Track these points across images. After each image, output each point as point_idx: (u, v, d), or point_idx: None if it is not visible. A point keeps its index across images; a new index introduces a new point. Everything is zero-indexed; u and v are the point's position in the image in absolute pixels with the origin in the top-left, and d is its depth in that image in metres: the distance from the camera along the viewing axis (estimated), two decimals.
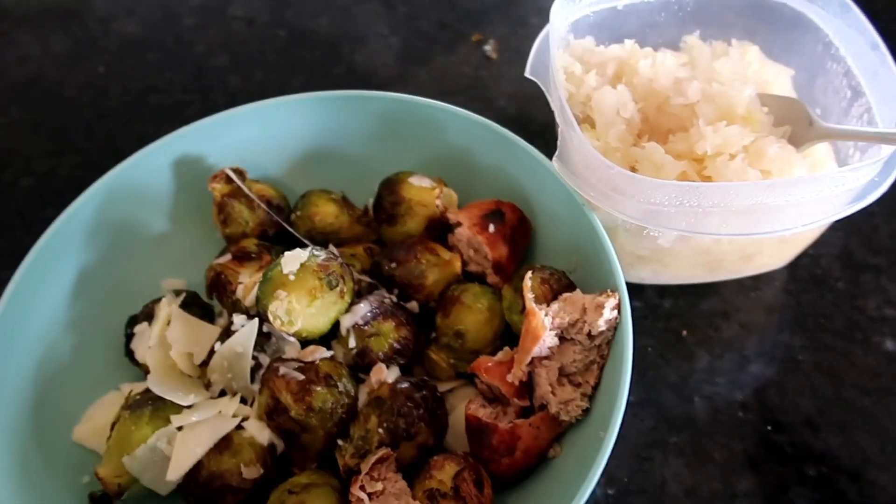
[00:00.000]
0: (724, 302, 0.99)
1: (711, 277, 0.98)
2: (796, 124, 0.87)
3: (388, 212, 0.92)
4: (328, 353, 0.81)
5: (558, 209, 0.87)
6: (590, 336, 0.77)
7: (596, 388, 0.78)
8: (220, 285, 0.87)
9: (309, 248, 0.80)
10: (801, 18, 0.93)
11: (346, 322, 0.81)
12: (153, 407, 0.78)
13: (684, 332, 0.97)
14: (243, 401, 0.81)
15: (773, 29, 0.96)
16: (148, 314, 0.88)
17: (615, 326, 0.77)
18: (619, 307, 0.76)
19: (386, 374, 0.80)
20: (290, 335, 0.79)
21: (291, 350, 0.81)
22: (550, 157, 0.83)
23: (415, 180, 0.92)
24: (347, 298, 0.81)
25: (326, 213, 0.94)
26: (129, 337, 0.88)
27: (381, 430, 0.76)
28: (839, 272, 1.00)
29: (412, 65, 1.29)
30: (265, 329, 0.81)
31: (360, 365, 0.81)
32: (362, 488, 0.73)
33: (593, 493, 0.69)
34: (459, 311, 0.85)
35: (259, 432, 0.78)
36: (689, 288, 1.00)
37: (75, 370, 0.87)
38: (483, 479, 0.75)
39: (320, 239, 0.94)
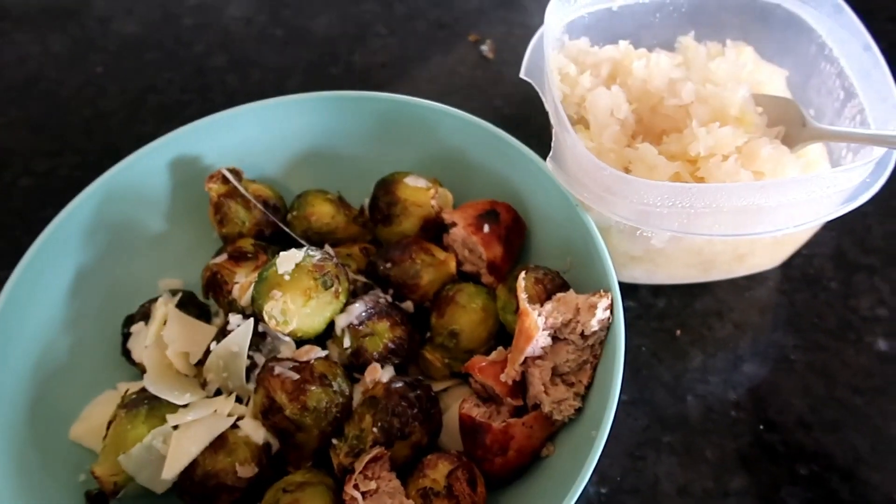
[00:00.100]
0: (718, 301, 0.99)
1: (705, 277, 0.98)
2: (790, 125, 0.87)
3: (384, 212, 0.93)
4: (323, 353, 0.81)
5: (552, 210, 0.87)
6: (583, 336, 0.77)
7: (589, 387, 0.78)
8: (216, 285, 0.88)
9: (304, 249, 0.81)
10: (795, 19, 0.94)
11: (341, 322, 0.82)
12: (149, 406, 0.79)
13: (678, 332, 0.97)
14: (239, 400, 0.81)
15: (767, 30, 0.97)
16: (144, 314, 0.89)
17: (608, 326, 0.77)
18: (611, 307, 0.77)
19: (380, 374, 0.81)
20: (285, 335, 0.80)
21: (287, 350, 0.81)
22: (546, 158, 0.84)
23: (410, 180, 0.93)
24: (342, 298, 0.81)
25: (322, 213, 0.94)
26: (126, 336, 0.88)
27: (375, 430, 0.76)
28: (832, 272, 1.01)
29: (409, 65, 1.29)
30: (261, 329, 0.82)
31: (354, 364, 0.82)
32: (356, 487, 0.73)
33: (586, 491, 0.69)
34: (454, 311, 0.85)
35: (254, 431, 0.78)
36: (682, 287, 1.00)
37: (72, 369, 0.88)
38: (476, 478, 0.76)
39: (316, 239, 0.94)
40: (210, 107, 1.23)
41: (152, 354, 0.84)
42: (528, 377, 0.79)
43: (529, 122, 1.14)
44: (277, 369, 0.77)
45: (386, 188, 0.93)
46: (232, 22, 1.37)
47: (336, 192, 0.98)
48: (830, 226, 0.90)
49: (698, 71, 0.93)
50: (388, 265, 0.87)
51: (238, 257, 0.89)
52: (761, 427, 0.90)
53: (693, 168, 0.84)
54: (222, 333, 0.82)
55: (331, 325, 0.82)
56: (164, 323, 0.86)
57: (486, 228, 0.88)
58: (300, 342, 0.82)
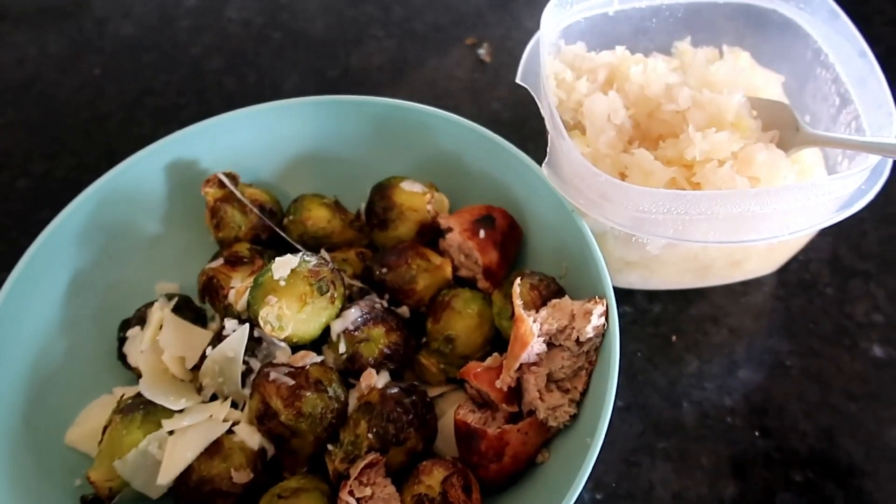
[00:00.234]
0: (714, 307, 1.00)
1: (700, 283, 0.98)
2: (783, 128, 0.87)
3: (380, 216, 0.93)
4: (318, 359, 0.81)
5: (548, 215, 0.87)
6: (578, 342, 0.77)
7: (584, 394, 0.78)
8: (212, 289, 0.88)
9: (300, 254, 0.81)
10: (791, 24, 0.94)
11: (337, 327, 0.82)
12: (145, 411, 0.79)
13: (674, 337, 0.97)
14: (234, 405, 0.82)
15: (763, 35, 0.97)
16: (140, 318, 0.89)
17: (603, 333, 0.77)
18: (606, 314, 0.77)
19: (376, 380, 0.81)
20: (280, 340, 0.80)
21: (282, 355, 0.81)
22: (542, 162, 0.84)
23: (406, 185, 0.93)
24: (338, 304, 0.81)
25: (319, 217, 0.94)
26: (122, 341, 0.88)
27: (370, 436, 0.76)
28: (828, 278, 1.01)
29: (407, 68, 1.29)
30: (256, 334, 0.81)
31: (350, 370, 0.82)
32: (351, 493, 0.73)
33: (581, 498, 0.69)
34: (450, 317, 0.85)
35: (249, 437, 0.78)
36: (678, 293, 1.00)
37: (68, 373, 0.88)
38: (471, 484, 0.76)
39: (312, 243, 0.94)
40: (207, 109, 1.24)
41: (148, 359, 0.84)
42: (524, 383, 0.79)
43: (526, 126, 1.15)
44: (273, 375, 0.77)
45: (382, 193, 0.93)
46: (229, 24, 1.37)
47: (332, 197, 0.98)
48: (826, 232, 0.90)
49: (694, 76, 0.93)
50: (384, 270, 0.87)
51: (234, 262, 0.89)
52: (756, 433, 0.90)
53: (689, 173, 0.84)
54: (218, 338, 0.82)
55: (326, 330, 0.82)
56: (160, 327, 0.86)
57: (482, 234, 0.88)
58: (296, 347, 0.82)
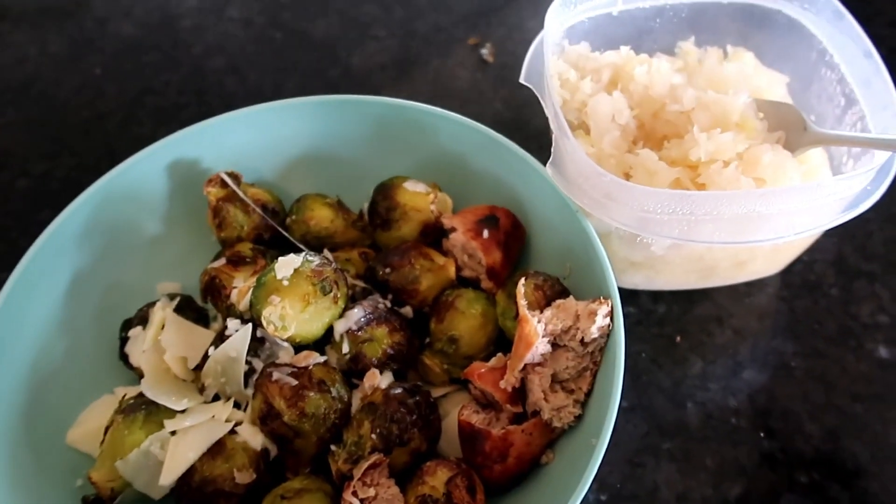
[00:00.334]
0: (718, 308, 0.99)
1: (705, 283, 0.98)
2: (790, 129, 0.87)
3: (383, 216, 0.92)
4: (322, 359, 0.81)
5: (552, 215, 0.87)
6: (583, 343, 0.77)
7: (588, 394, 0.78)
8: (214, 289, 0.87)
9: (303, 254, 0.80)
10: (796, 25, 0.94)
11: (340, 327, 0.81)
12: (147, 411, 0.78)
13: (678, 338, 0.97)
14: (237, 405, 0.81)
15: (767, 35, 0.96)
16: (142, 318, 0.88)
17: (608, 333, 0.77)
18: (611, 314, 0.77)
19: (379, 380, 0.80)
20: (283, 340, 0.80)
21: (285, 355, 0.81)
22: (546, 161, 0.83)
23: (409, 185, 0.92)
24: (341, 304, 0.81)
25: (321, 217, 0.94)
26: (124, 341, 0.88)
27: (374, 436, 0.76)
28: (833, 278, 1.00)
29: (409, 68, 1.29)
30: (259, 334, 0.81)
31: (353, 370, 0.82)
32: (355, 494, 0.73)
33: (586, 499, 0.69)
34: (453, 317, 0.85)
35: (252, 437, 0.78)
36: (682, 294, 1.00)
37: (69, 373, 0.87)
38: (475, 485, 0.76)
39: (315, 243, 0.94)
40: (208, 109, 1.23)
41: (150, 359, 0.83)
42: (528, 384, 0.78)
43: (529, 126, 1.15)
44: (276, 375, 0.77)
45: (385, 193, 0.93)
46: (230, 24, 1.37)
47: (335, 197, 0.97)
48: (831, 232, 0.90)
49: (699, 77, 0.93)
50: (388, 270, 0.87)
51: (237, 261, 0.88)
52: (761, 434, 0.90)
53: (694, 174, 0.84)
54: (220, 338, 0.82)
55: (329, 330, 0.82)
56: (162, 327, 0.85)
57: (486, 234, 0.87)
58: (298, 348, 0.81)
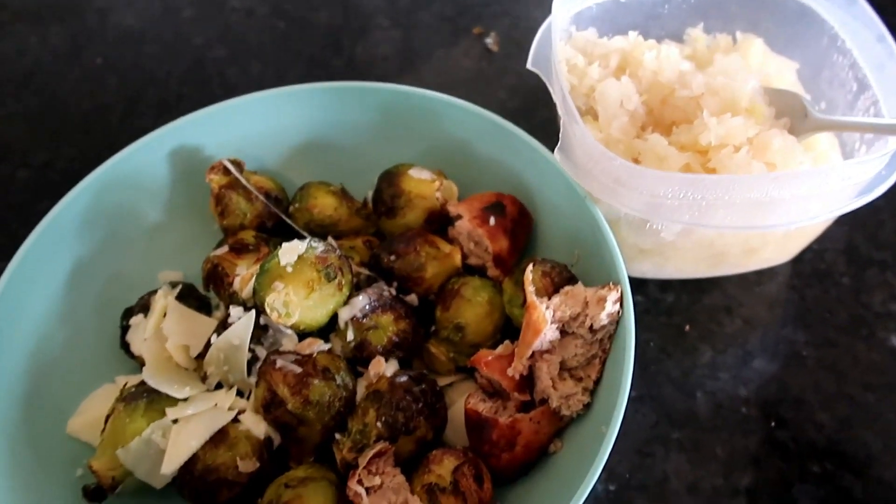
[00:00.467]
0: (727, 297, 0.98)
1: (714, 272, 0.97)
2: (793, 116, 0.86)
3: (388, 204, 0.91)
4: (326, 346, 0.80)
5: (560, 202, 0.86)
6: (591, 330, 0.76)
7: (597, 382, 0.77)
8: (216, 277, 0.86)
9: (307, 240, 0.79)
10: (806, 10, 0.93)
11: (345, 315, 0.80)
12: (148, 399, 0.77)
13: (687, 327, 0.96)
14: (240, 393, 0.80)
15: (777, 21, 0.95)
16: (144, 306, 0.87)
17: (617, 320, 0.76)
18: (621, 301, 0.75)
19: (384, 368, 0.79)
20: (287, 327, 0.79)
21: (289, 343, 0.80)
22: (552, 150, 0.82)
23: (414, 172, 0.91)
24: (346, 291, 0.80)
25: (325, 205, 0.93)
26: (125, 329, 0.87)
27: (379, 424, 0.74)
28: (844, 267, 0.99)
29: (413, 57, 1.28)
30: (262, 321, 0.80)
31: (358, 358, 0.80)
32: (360, 482, 0.72)
33: (594, 488, 0.68)
34: (459, 305, 0.84)
35: (255, 425, 0.77)
36: (691, 282, 0.99)
37: (70, 362, 0.86)
38: (483, 473, 0.74)
39: (319, 231, 0.93)
40: (209, 100, 1.20)
41: (152, 347, 0.82)
42: (536, 371, 0.77)
43: (534, 115, 1.14)
44: (279, 362, 0.76)
45: (390, 180, 0.91)
46: (233, 14, 1.36)
47: (339, 184, 0.96)
48: (842, 220, 0.89)
49: (708, 63, 0.92)
50: (393, 257, 0.86)
51: (239, 249, 0.87)
52: (772, 424, 0.88)
53: (704, 159, 0.82)
54: (223, 326, 0.81)
55: (334, 317, 0.80)
56: (164, 315, 0.84)
57: (492, 221, 0.86)
58: (302, 335, 0.80)
